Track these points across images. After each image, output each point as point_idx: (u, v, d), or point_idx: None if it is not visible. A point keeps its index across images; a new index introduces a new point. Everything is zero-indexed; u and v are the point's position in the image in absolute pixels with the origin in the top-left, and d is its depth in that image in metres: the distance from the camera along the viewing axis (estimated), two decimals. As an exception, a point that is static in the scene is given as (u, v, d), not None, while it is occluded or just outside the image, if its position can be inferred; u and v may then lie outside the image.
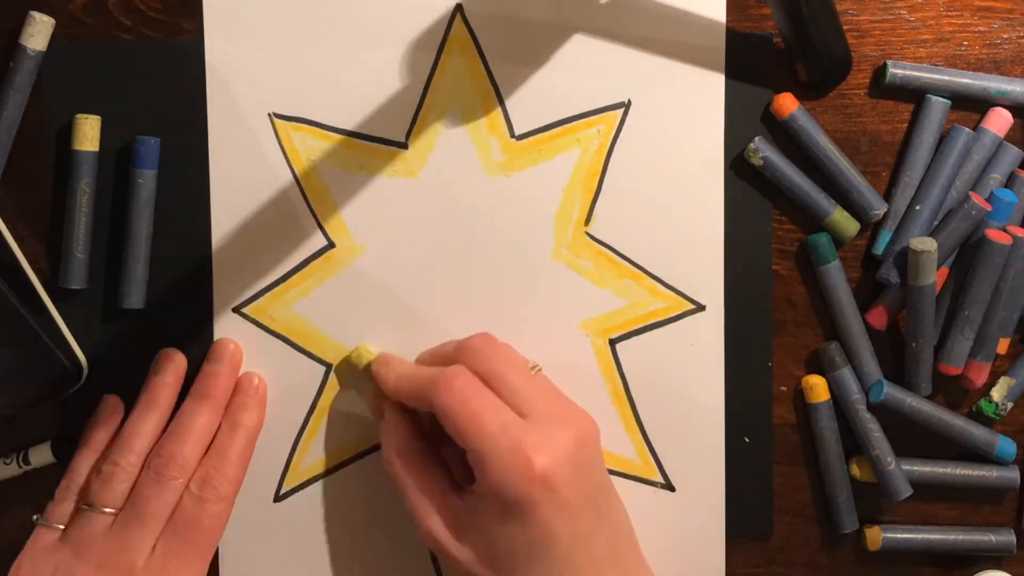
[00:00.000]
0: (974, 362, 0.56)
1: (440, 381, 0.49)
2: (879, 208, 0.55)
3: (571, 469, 0.47)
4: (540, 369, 0.52)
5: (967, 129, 0.54)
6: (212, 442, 0.54)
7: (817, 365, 0.56)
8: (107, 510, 0.52)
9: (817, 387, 0.56)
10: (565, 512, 0.47)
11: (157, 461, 0.52)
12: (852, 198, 0.55)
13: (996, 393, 0.56)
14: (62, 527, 0.53)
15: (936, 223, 0.55)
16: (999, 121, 0.55)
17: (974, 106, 0.55)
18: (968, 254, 0.55)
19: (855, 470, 0.56)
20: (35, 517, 0.54)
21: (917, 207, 0.54)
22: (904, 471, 0.56)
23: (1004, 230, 0.54)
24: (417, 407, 0.52)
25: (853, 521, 0.57)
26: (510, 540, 0.47)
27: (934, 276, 0.53)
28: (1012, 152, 0.55)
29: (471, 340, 0.51)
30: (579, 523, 0.47)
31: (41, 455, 0.55)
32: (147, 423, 0.54)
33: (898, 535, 0.57)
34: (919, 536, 0.57)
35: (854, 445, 0.57)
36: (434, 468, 0.52)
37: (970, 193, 0.54)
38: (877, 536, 0.56)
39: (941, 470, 0.56)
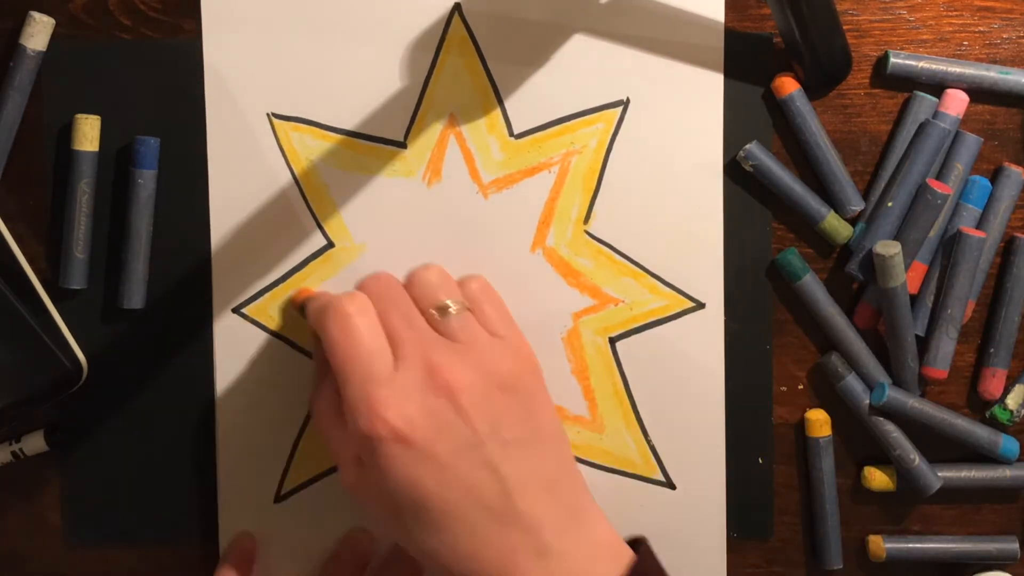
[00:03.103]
0: (988, 370, 0.56)
1: (333, 308, 0.48)
2: (856, 205, 0.55)
3: (437, 425, 0.46)
4: (451, 310, 0.49)
5: (939, 124, 0.54)
6: None
7: (818, 368, 0.56)
8: None
9: (819, 422, 0.56)
10: (429, 465, 0.45)
11: None
12: (833, 190, 0.55)
13: (1012, 401, 0.56)
14: None
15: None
16: (956, 103, 0.55)
17: (977, 96, 0.56)
18: (947, 252, 0.55)
19: (869, 481, 0.56)
20: None
21: (890, 203, 0.54)
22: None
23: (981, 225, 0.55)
24: (312, 328, 0.51)
25: (839, 560, 0.57)
26: (392, 495, 0.46)
27: (902, 277, 0.53)
28: (971, 139, 0.55)
29: (367, 279, 0.50)
30: (453, 474, 0.46)
31: (34, 443, 0.55)
32: None
33: (900, 545, 0.57)
34: (922, 546, 0.57)
35: (864, 457, 0.57)
36: (337, 424, 0.50)
37: (928, 180, 0.54)
38: (880, 549, 0.56)
39: (954, 474, 0.56)
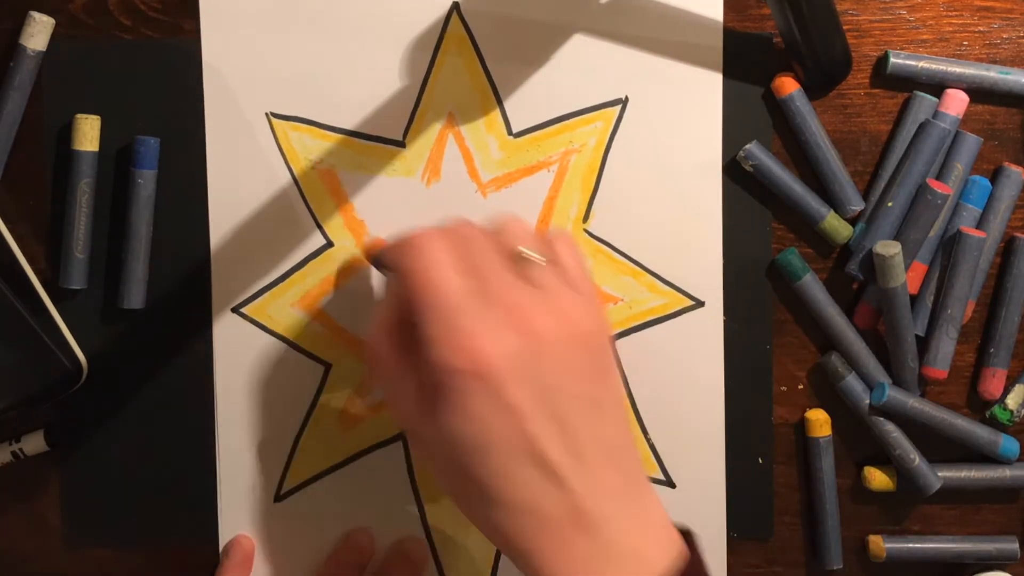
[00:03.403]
0: (988, 370, 0.56)
1: (414, 241, 0.46)
2: (856, 205, 0.55)
3: (518, 367, 0.43)
4: (536, 259, 0.47)
5: (939, 124, 0.54)
6: None
7: (818, 368, 0.56)
8: None
9: (819, 422, 0.56)
10: (504, 409, 0.43)
11: None
12: (833, 190, 0.55)
13: (1012, 401, 0.56)
14: None
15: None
16: (956, 103, 0.55)
17: (977, 96, 0.56)
18: (947, 252, 0.55)
19: (869, 481, 0.56)
20: None
21: (890, 203, 0.54)
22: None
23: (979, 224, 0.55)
24: (389, 264, 0.49)
25: (839, 560, 0.57)
26: (454, 431, 0.44)
27: (902, 277, 0.53)
28: (971, 139, 0.55)
29: (451, 222, 0.48)
30: (526, 424, 0.43)
31: (34, 443, 0.55)
32: None
33: (900, 545, 0.57)
34: (922, 546, 0.57)
35: (864, 456, 0.57)
36: (405, 360, 0.47)
37: (928, 180, 0.54)
38: (880, 549, 0.56)
39: (954, 474, 0.56)
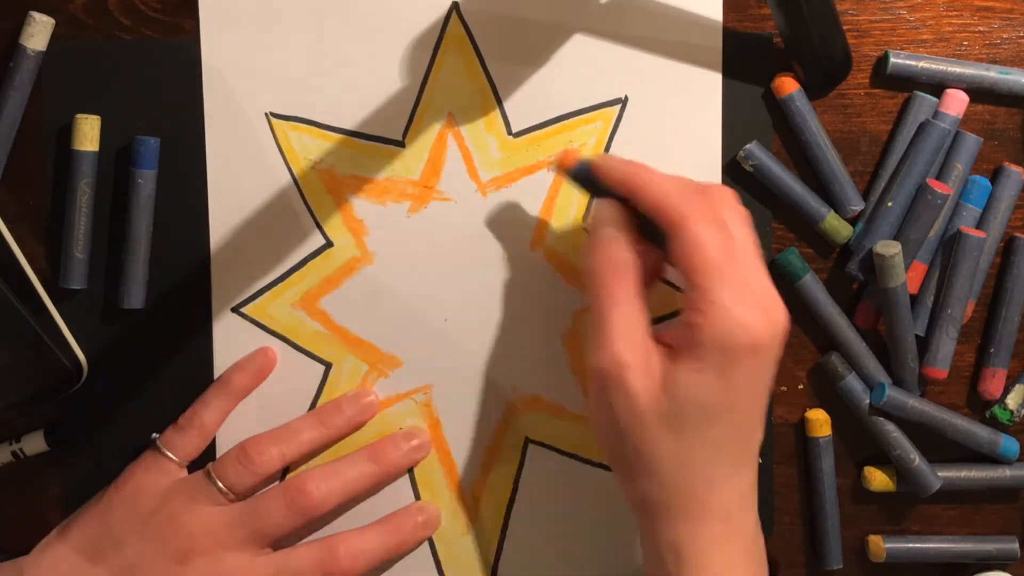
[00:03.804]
0: (988, 370, 0.56)
1: (697, 212, 0.46)
2: (856, 205, 0.55)
3: (774, 349, 0.47)
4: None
5: (939, 124, 0.54)
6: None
7: (818, 368, 0.56)
8: (227, 492, 0.53)
9: (819, 422, 0.56)
10: (752, 385, 0.46)
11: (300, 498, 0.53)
12: (833, 190, 0.55)
13: (1012, 401, 0.56)
14: (175, 458, 0.54)
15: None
16: (956, 103, 0.55)
17: (977, 96, 0.55)
18: (947, 252, 0.55)
19: (869, 481, 0.56)
20: (154, 436, 0.55)
21: (890, 203, 0.54)
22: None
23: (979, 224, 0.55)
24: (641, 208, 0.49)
25: (839, 560, 0.57)
26: (699, 389, 0.45)
27: (902, 277, 0.53)
28: (971, 139, 0.55)
29: (715, 189, 0.48)
30: (755, 404, 0.47)
31: (34, 443, 0.55)
32: (308, 433, 0.55)
33: (900, 545, 0.57)
34: (922, 546, 0.57)
35: (864, 457, 0.57)
36: (641, 296, 0.48)
37: (928, 180, 0.54)
38: (880, 549, 0.56)
39: (954, 474, 0.56)
